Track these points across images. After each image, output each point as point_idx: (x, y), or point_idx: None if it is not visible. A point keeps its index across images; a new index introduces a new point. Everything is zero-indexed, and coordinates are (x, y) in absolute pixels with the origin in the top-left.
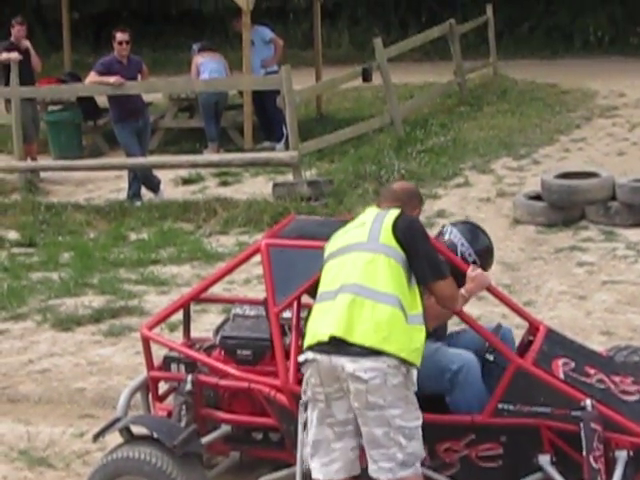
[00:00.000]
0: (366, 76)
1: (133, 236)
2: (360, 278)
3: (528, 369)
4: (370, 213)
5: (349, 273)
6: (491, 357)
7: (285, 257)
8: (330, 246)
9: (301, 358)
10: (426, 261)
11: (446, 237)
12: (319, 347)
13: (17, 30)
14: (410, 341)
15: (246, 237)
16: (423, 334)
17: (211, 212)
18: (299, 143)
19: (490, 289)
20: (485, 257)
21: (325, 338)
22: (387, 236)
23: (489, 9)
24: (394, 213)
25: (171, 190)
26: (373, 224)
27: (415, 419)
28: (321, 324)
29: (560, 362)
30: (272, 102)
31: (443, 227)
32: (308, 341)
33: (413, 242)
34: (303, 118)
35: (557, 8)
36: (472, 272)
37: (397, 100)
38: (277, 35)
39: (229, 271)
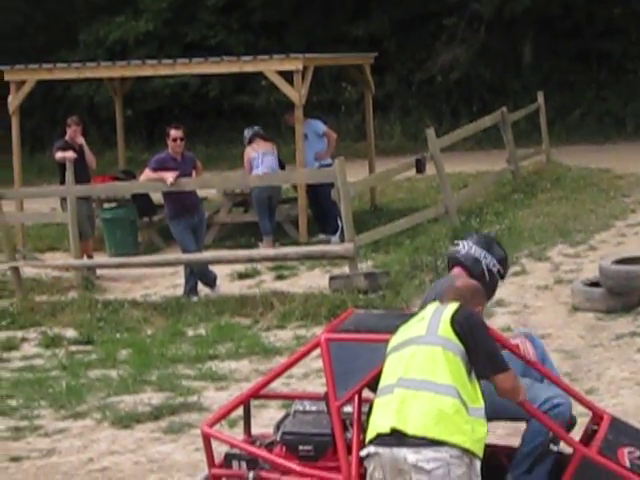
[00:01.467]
0: (419, 167)
1: (190, 332)
2: (418, 371)
3: (594, 458)
4: (430, 308)
5: (407, 366)
6: (555, 447)
7: (345, 351)
8: (392, 340)
9: (363, 452)
10: (485, 355)
11: (463, 252)
12: (380, 440)
13: (73, 130)
14: (472, 432)
15: (304, 331)
16: (485, 428)
17: (268, 306)
18: (354, 235)
19: (552, 378)
20: (504, 266)
21: (386, 430)
22: (446, 329)
23: (540, 96)
24: (453, 306)
25: (227, 285)
26: (432, 317)
27: None
28: (381, 418)
29: (626, 451)
30: (326, 195)
31: (456, 244)
32: (369, 435)
33: (471, 335)
34: (357, 210)
35: (608, 94)
36: None
37: (451, 190)
38: (330, 128)
39: (289, 366)
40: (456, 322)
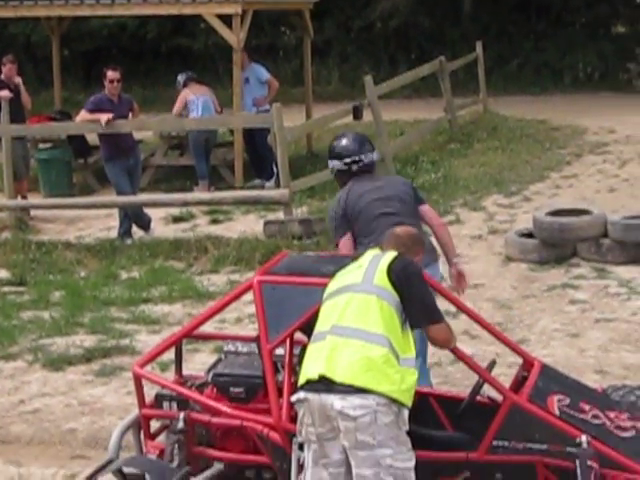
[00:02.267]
0: (357, 114)
1: (124, 275)
2: (351, 319)
3: (523, 405)
4: (369, 255)
5: (341, 314)
6: (486, 394)
7: (277, 294)
8: (329, 287)
9: (293, 398)
10: (420, 305)
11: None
12: (309, 386)
13: (8, 69)
14: (401, 382)
15: (237, 276)
16: (414, 377)
17: (202, 250)
18: (290, 181)
19: (486, 326)
20: None
21: (315, 377)
22: (381, 278)
23: (479, 46)
24: (391, 255)
25: (162, 228)
26: (369, 266)
27: (407, 460)
28: (312, 364)
29: (555, 398)
30: (263, 140)
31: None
32: (300, 381)
33: (407, 285)
34: (293, 155)
35: (546, 45)
36: None
37: (387, 137)
38: (272, 75)
39: (222, 307)
40: (392, 271)
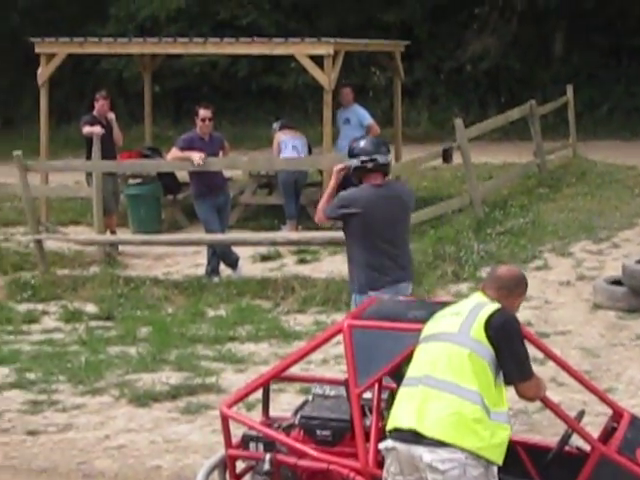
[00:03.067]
0: (446, 157)
1: (211, 312)
2: (445, 372)
3: (611, 457)
4: (470, 301)
5: (435, 364)
6: (574, 445)
7: (367, 338)
8: (427, 328)
9: (381, 446)
10: (514, 363)
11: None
12: (398, 435)
13: (101, 104)
14: (491, 437)
15: (324, 316)
16: (507, 432)
17: (289, 290)
18: None
19: (574, 375)
20: None
21: (405, 428)
22: (479, 331)
23: (569, 90)
24: (491, 308)
25: (249, 267)
26: (468, 316)
27: None
28: (403, 412)
29: None
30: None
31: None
32: (389, 425)
33: (504, 342)
34: None
35: (637, 89)
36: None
37: (476, 180)
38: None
39: (311, 350)
40: (491, 327)
